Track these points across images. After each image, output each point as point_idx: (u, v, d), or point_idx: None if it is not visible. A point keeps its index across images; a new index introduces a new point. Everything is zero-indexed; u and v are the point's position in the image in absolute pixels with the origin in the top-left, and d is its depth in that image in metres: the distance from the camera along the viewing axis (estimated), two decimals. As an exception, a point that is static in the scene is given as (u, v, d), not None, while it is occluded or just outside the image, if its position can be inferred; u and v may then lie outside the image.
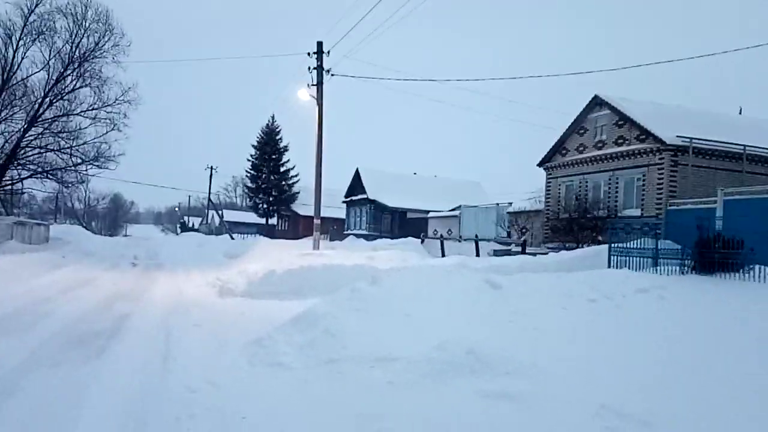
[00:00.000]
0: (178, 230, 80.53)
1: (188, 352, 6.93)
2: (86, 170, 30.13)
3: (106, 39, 27.02)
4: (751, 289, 9.19)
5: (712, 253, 10.40)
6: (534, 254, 17.58)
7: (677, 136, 18.66)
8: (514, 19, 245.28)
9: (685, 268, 11.04)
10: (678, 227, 13.62)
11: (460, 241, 27.21)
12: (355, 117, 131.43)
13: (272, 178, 52.51)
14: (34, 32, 25.88)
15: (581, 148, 23.13)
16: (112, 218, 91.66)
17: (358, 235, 40.76)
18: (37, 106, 26.79)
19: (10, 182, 28.80)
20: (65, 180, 30.61)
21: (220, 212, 66.94)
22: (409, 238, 28.74)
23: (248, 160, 53.87)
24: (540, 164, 25.32)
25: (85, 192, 74.51)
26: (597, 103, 22.28)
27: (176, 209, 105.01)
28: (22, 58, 26.16)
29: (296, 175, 52.96)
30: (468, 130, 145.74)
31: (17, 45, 25.79)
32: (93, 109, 28.00)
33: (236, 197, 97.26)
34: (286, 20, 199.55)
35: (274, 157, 52.85)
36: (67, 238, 28.44)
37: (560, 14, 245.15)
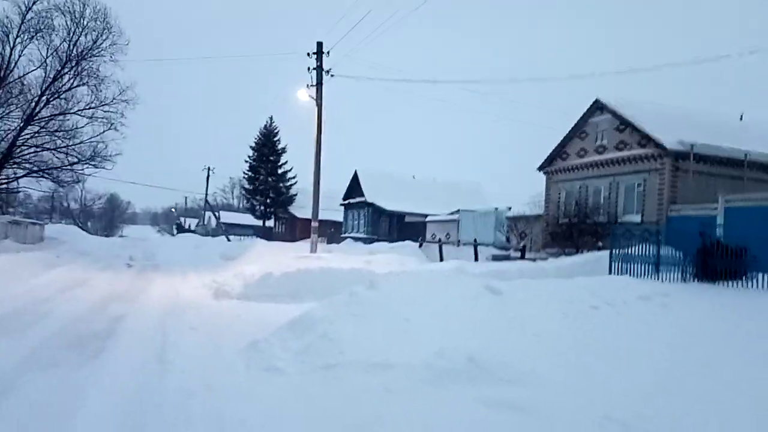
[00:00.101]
0: (175, 231, 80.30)
1: (185, 355, 6.95)
2: (82, 170, 29.95)
3: (104, 37, 26.94)
4: (754, 296, 9.13)
5: (715, 261, 10.31)
6: (533, 260, 17.51)
7: (678, 142, 18.62)
8: (514, 19, 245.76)
9: (687, 275, 10.95)
10: (679, 234, 13.55)
11: (458, 246, 27.11)
12: (354, 117, 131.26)
13: (270, 179, 52.28)
14: (31, 30, 25.81)
15: (582, 153, 23.06)
16: (108, 219, 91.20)
17: (355, 239, 40.65)
18: (33, 104, 26.65)
19: (5, 181, 28.62)
20: (61, 179, 30.42)
21: (216, 214, 66.66)
22: (407, 241, 28.67)
23: (246, 162, 53.65)
24: (540, 168, 25.26)
25: (81, 192, 74.05)
26: (598, 107, 22.23)
27: (173, 210, 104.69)
28: (20, 56, 26.11)
29: (294, 177, 52.85)
30: (468, 130, 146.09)
31: (14, 43, 25.73)
32: (90, 108, 27.86)
33: (233, 199, 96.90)
34: (286, 20, 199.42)
35: (272, 158, 52.67)
36: (62, 238, 28.29)
37: (560, 14, 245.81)
